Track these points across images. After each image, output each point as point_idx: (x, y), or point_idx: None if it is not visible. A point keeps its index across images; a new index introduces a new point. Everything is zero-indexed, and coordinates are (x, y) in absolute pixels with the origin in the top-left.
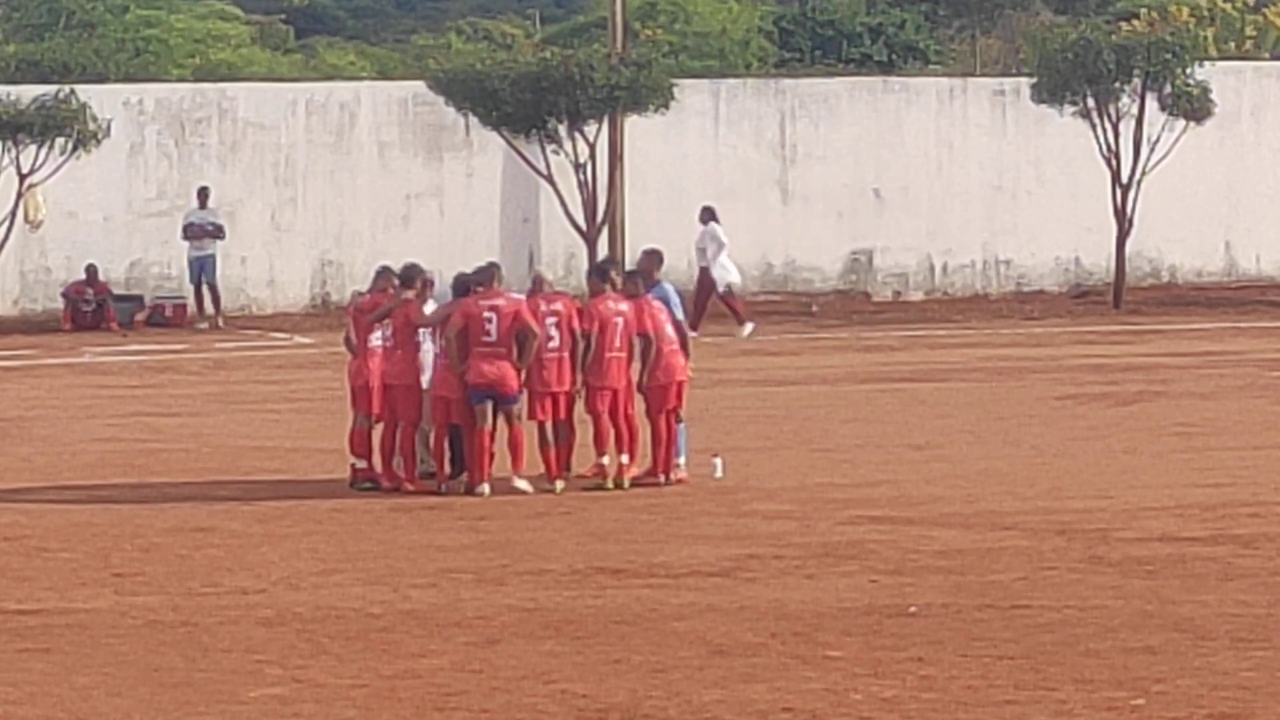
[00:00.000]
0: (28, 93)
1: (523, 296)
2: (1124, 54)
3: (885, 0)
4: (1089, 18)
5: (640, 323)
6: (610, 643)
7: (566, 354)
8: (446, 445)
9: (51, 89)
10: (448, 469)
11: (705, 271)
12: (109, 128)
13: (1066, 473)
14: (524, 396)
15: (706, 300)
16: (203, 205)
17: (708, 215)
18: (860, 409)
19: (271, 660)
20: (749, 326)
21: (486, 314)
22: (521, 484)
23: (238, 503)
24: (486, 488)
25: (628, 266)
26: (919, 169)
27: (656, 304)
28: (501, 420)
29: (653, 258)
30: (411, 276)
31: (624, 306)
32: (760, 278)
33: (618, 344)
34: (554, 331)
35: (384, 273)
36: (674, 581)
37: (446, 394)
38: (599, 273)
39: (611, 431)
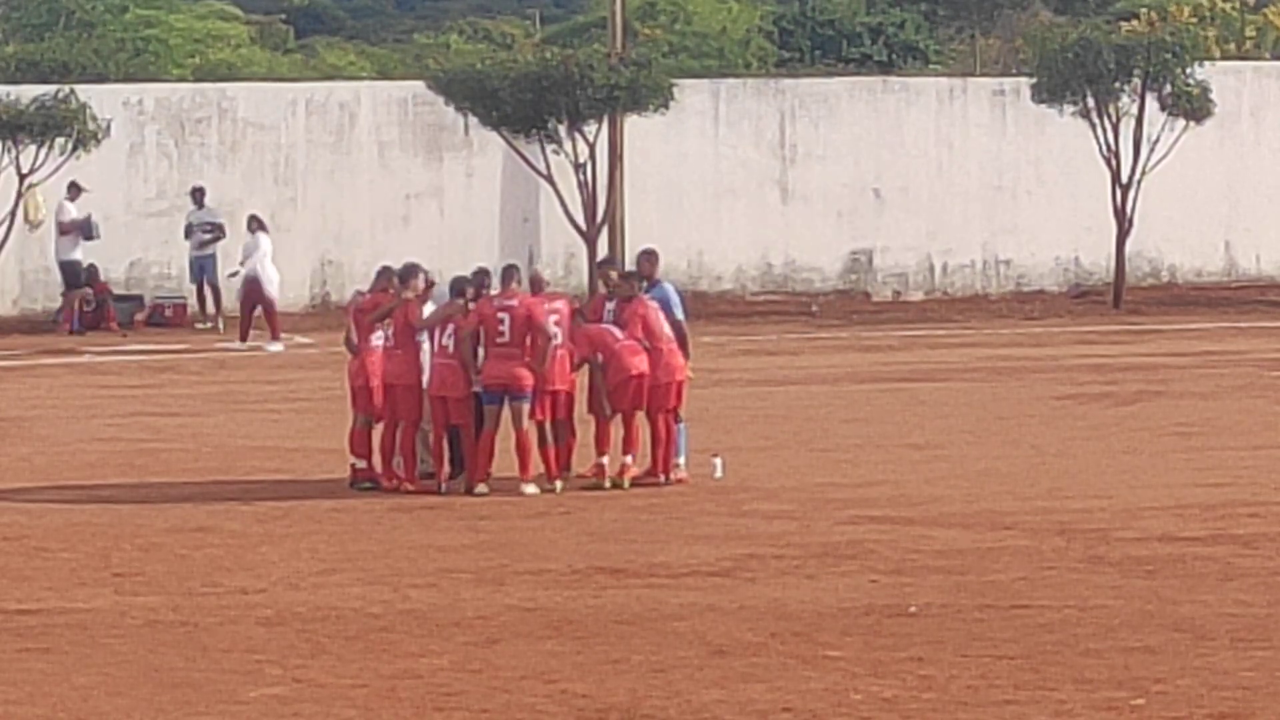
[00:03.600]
0: (28, 93)
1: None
2: (1124, 54)
3: (885, 0)
4: (1089, 18)
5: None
6: (610, 643)
7: (566, 351)
8: (445, 445)
9: (51, 89)
10: (447, 469)
11: (254, 280)
12: (109, 128)
13: (1066, 473)
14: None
15: (253, 309)
16: (199, 205)
17: (256, 224)
18: (860, 409)
19: (271, 660)
20: (278, 345)
21: (500, 314)
22: (530, 489)
23: (238, 503)
24: (485, 488)
25: (627, 267)
26: (919, 169)
27: (653, 304)
28: (507, 425)
29: (650, 258)
30: (409, 275)
31: (615, 330)
32: (760, 278)
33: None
34: (555, 329)
35: (384, 273)
36: (674, 581)
37: (444, 393)
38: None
39: (615, 431)
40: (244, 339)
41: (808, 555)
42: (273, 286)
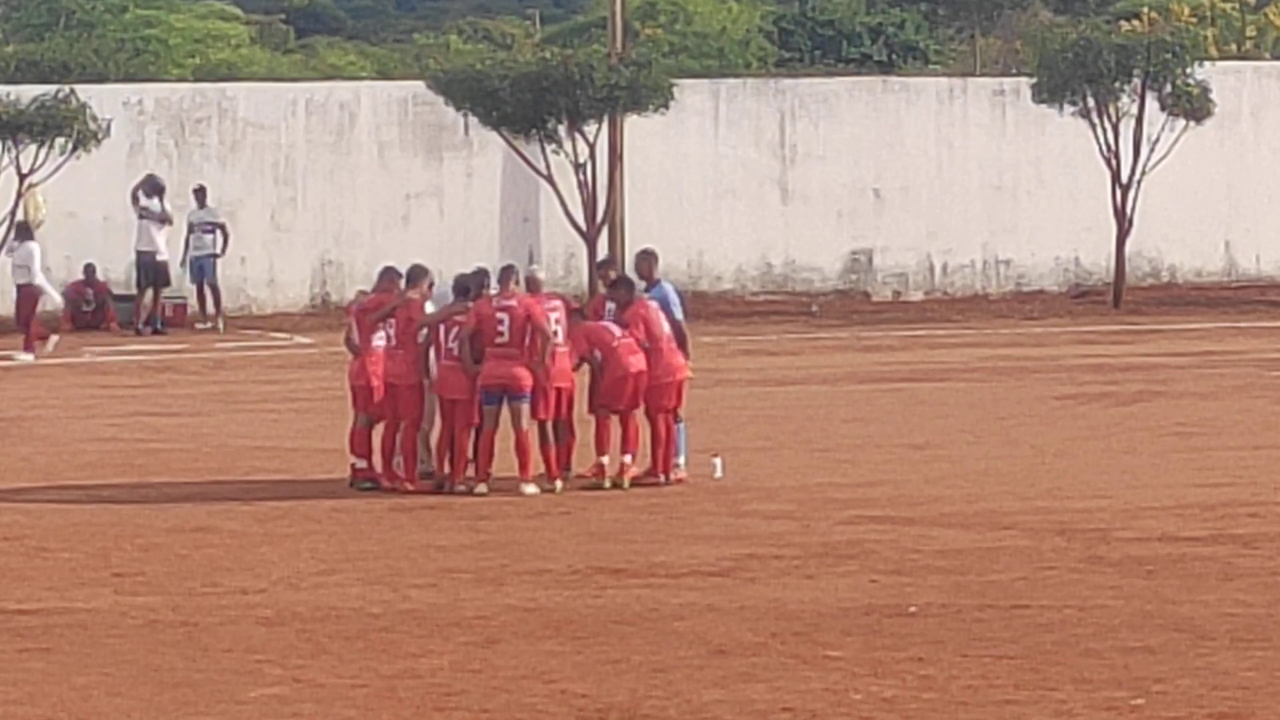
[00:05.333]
0: (28, 93)
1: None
2: (1124, 54)
3: (885, 0)
4: (1089, 18)
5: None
6: (610, 643)
7: (567, 350)
8: (448, 445)
9: (51, 89)
10: (446, 468)
11: (25, 289)
12: (109, 128)
13: (1066, 473)
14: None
15: (29, 317)
16: (201, 205)
17: (23, 233)
18: (860, 409)
19: (271, 660)
20: (29, 356)
21: (499, 314)
22: (530, 489)
23: (238, 503)
24: (485, 488)
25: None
26: (919, 169)
27: (652, 305)
28: (507, 425)
29: (648, 259)
30: (417, 277)
31: (614, 328)
32: (760, 278)
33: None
34: (556, 327)
35: (387, 273)
36: (674, 581)
37: (447, 395)
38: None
39: (615, 431)
40: (28, 349)
41: (808, 555)
42: (50, 298)
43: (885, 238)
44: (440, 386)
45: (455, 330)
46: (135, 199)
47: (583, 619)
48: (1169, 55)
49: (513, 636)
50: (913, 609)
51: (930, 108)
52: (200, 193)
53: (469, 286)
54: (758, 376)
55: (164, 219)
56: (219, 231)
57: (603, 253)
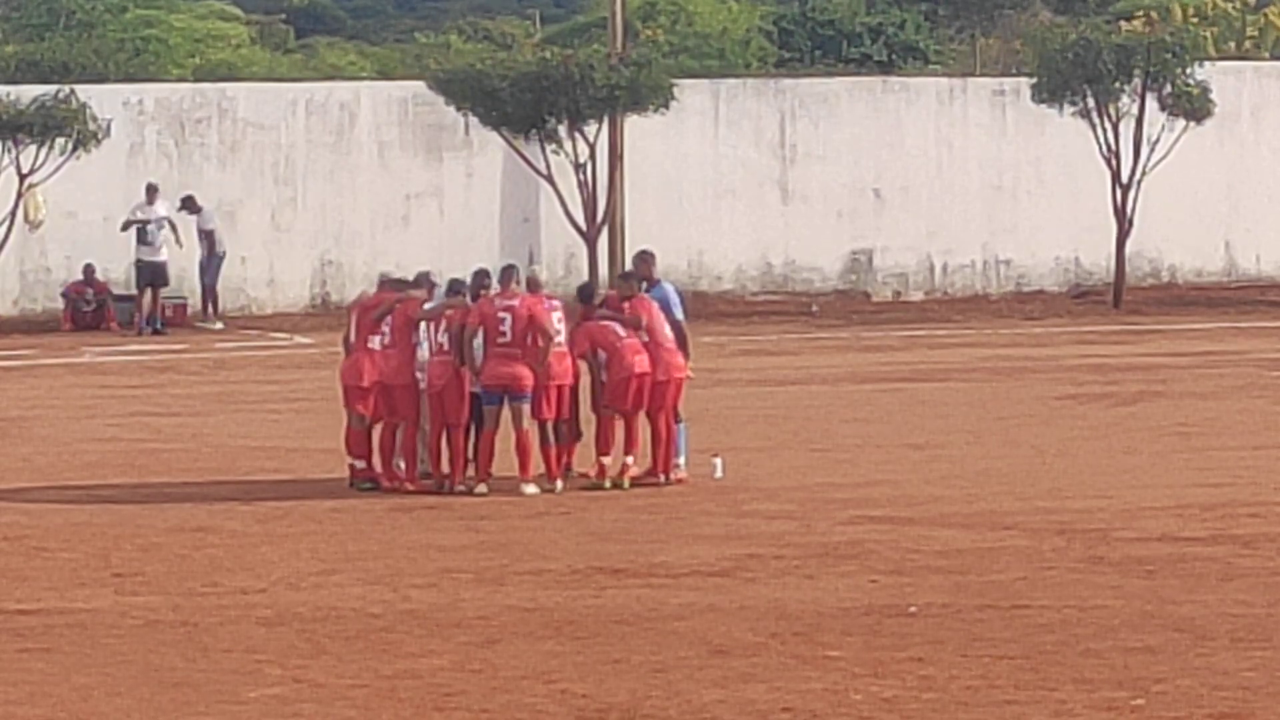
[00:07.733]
0: (28, 93)
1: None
2: (1124, 54)
3: (885, 0)
4: (1089, 18)
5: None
6: (610, 643)
7: (568, 350)
8: (444, 444)
9: (51, 89)
10: (445, 468)
11: None
12: (109, 128)
13: (1066, 473)
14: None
15: None
16: (192, 211)
17: None
18: (860, 409)
19: (271, 660)
20: None
21: (501, 314)
22: (530, 489)
23: (238, 503)
24: (485, 488)
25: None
26: (919, 169)
27: (652, 303)
28: (507, 425)
29: (646, 259)
30: (422, 283)
31: (618, 328)
32: (760, 278)
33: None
34: (560, 325)
35: (398, 285)
36: (674, 581)
37: (436, 389)
38: (583, 295)
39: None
40: None
41: (808, 555)
42: None
43: (885, 238)
44: (430, 382)
45: (444, 324)
46: (188, 208)
47: (583, 619)
48: (1169, 55)
49: (513, 636)
50: (913, 609)
51: (930, 108)
52: (188, 201)
53: (462, 284)
54: (758, 376)
55: (138, 233)
56: (214, 235)
57: (603, 253)
